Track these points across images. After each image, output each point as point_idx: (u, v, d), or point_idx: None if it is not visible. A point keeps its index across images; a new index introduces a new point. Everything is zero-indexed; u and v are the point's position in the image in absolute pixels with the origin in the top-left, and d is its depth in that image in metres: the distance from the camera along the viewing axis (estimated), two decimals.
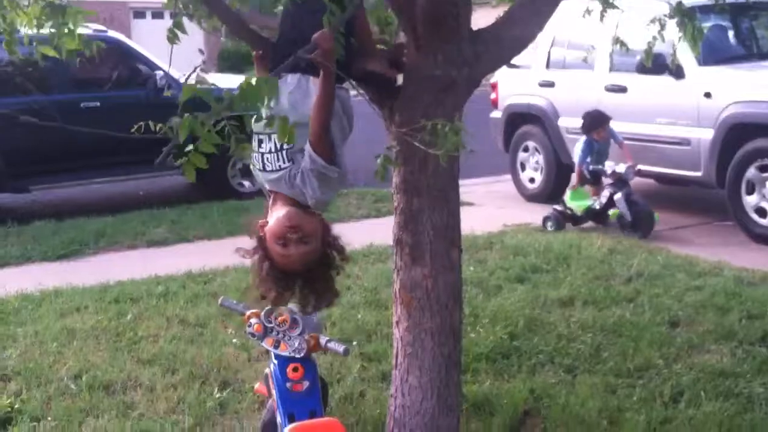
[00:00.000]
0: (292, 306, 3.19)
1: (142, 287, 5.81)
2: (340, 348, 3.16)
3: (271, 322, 3.24)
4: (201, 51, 3.10)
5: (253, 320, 3.26)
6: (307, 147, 2.89)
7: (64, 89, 8.57)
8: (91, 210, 8.35)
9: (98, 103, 8.70)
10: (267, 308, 3.26)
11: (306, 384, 3.18)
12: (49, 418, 3.92)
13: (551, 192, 8.65)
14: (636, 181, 8.80)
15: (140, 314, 5.28)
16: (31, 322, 5.19)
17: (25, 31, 3.40)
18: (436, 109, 2.99)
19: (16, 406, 4.03)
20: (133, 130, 2.60)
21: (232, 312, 3.67)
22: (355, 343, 4.59)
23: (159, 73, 8.90)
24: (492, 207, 8.35)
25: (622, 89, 7.89)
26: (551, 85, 8.64)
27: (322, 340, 3.13)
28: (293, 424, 3.04)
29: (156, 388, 4.20)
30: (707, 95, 7.15)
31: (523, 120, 8.99)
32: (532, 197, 8.81)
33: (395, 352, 3.31)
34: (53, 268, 6.66)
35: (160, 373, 4.37)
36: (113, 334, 4.95)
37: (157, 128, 2.43)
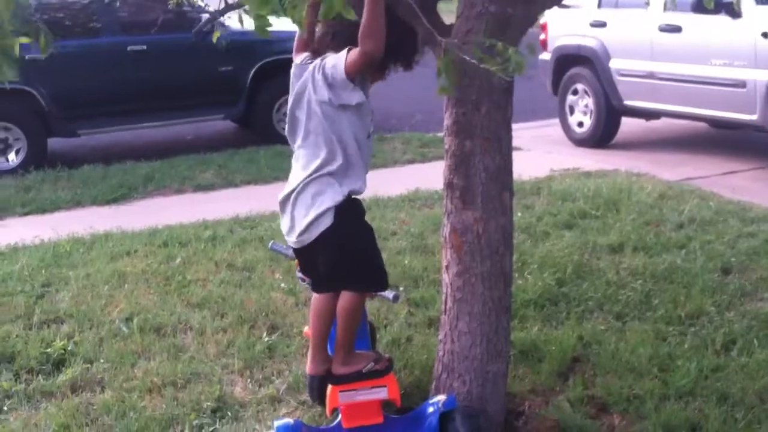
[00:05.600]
0: None
1: (190, 231, 5.86)
2: (390, 294, 3.15)
3: None
4: None
5: None
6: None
7: (110, 33, 8.56)
8: (138, 154, 8.41)
9: (144, 47, 8.69)
10: None
11: None
12: (102, 360, 4.00)
13: (601, 136, 8.51)
14: (688, 125, 8.64)
15: (189, 258, 5.32)
16: (82, 266, 5.27)
17: None
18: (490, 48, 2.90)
19: (69, 348, 4.11)
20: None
21: (281, 256, 3.68)
22: (402, 288, 4.59)
23: (204, 16, 8.84)
24: (539, 152, 8.23)
25: (677, 29, 7.66)
26: (603, 25, 8.42)
27: None
28: None
29: (206, 331, 4.25)
30: (765, 35, 6.92)
31: (572, 62, 8.78)
32: (581, 142, 8.65)
33: (444, 298, 3.28)
34: (103, 212, 6.74)
35: (209, 317, 4.41)
36: (163, 277, 5.01)
37: None
